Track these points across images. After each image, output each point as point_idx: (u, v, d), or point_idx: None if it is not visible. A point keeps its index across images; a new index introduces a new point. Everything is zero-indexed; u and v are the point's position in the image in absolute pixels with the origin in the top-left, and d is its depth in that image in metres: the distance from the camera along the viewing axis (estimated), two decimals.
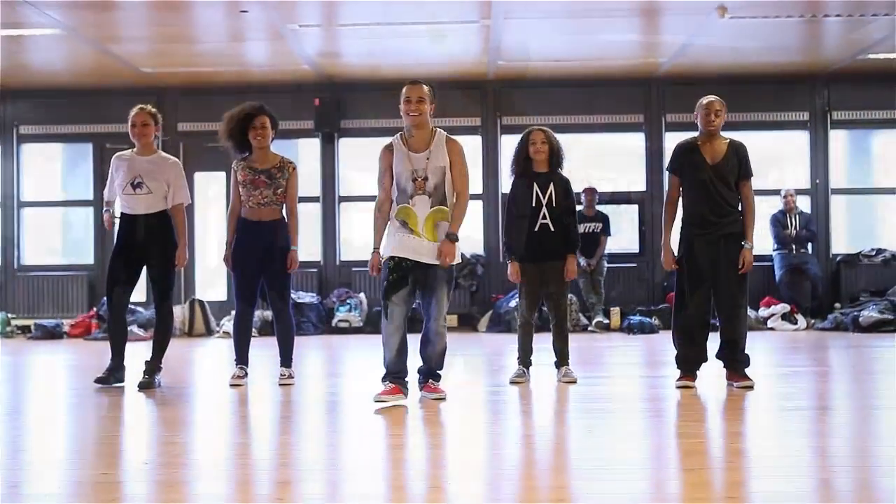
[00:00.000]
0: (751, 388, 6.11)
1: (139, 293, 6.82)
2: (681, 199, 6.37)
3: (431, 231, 5.70)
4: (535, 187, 6.62)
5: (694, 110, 6.34)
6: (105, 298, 6.99)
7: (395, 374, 5.68)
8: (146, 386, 6.52)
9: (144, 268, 6.73)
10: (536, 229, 6.61)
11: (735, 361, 6.24)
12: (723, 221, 6.20)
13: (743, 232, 6.24)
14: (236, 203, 6.82)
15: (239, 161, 6.80)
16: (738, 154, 6.25)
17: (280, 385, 6.69)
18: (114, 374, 6.67)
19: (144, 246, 6.66)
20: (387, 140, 5.95)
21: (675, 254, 6.32)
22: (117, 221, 6.77)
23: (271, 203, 6.74)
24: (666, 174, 6.47)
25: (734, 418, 5.41)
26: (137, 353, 6.98)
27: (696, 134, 6.36)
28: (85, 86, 12.57)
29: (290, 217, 6.85)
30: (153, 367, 6.67)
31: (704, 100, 6.30)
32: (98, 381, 6.60)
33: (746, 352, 6.25)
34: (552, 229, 6.61)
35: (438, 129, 5.85)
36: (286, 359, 6.85)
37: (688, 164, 6.26)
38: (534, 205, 6.61)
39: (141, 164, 6.69)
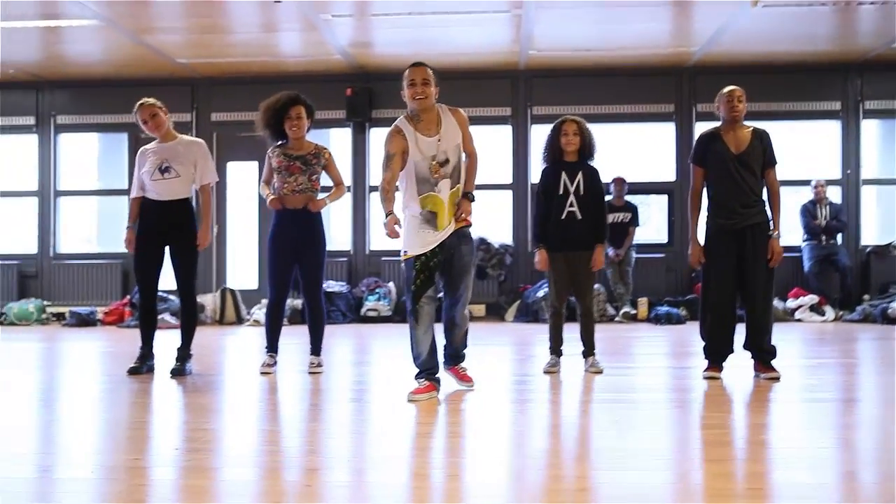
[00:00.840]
0: (777, 379, 6.08)
1: (172, 282, 6.86)
2: (705, 189, 6.34)
3: (452, 214, 5.55)
4: (564, 175, 6.61)
5: (716, 101, 6.32)
6: (136, 286, 7.05)
7: (428, 371, 5.64)
8: (178, 373, 6.60)
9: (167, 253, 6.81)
10: (563, 217, 6.60)
11: (762, 352, 6.21)
12: (749, 212, 6.15)
13: (770, 221, 6.19)
14: (268, 176, 6.85)
15: (274, 148, 6.84)
16: (762, 142, 6.21)
17: (309, 373, 6.73)
18: (145, 362, 6.75)
19: (169, 232, 6.72)
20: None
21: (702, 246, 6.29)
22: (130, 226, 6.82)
23: (306, 190, 6.76)
24: (690, 164, 6.41)
25: (760, 409, 5.38)
26: (169, 341, 7.04)
27: (718, 124, 6.33)
28: (121, 76, 12.69)
29: (337, 188, 6.96)
30: (184, 354, 6.74)
31: (725, 89, 6.27)
32: (130, 371, 6.68)
33: (773, 343, 6.22)
34: (579, 217, 6.59)
35: (439, 105, 5.62)
36: (316, 347, 6.89)
37: (712, 154, 6.22)
38: (561, 192, 6.60)
39: (167, 150, 6.77)
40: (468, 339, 6.00)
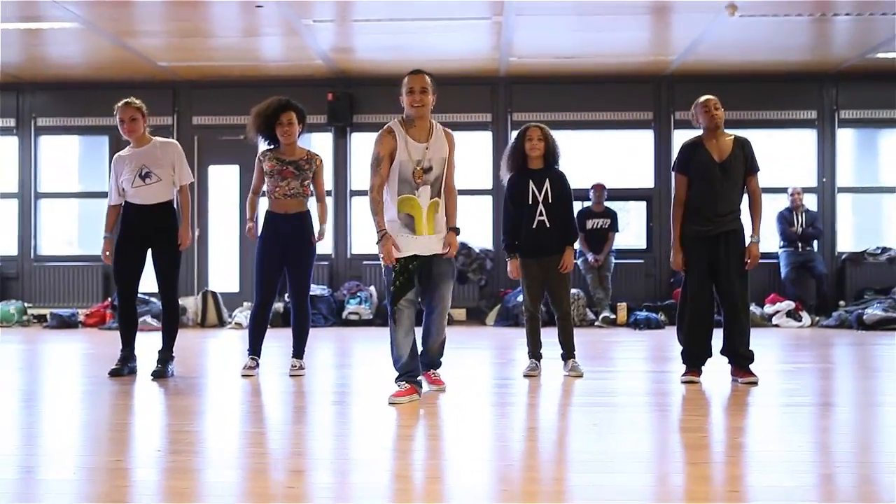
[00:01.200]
0: (755, 383, 6.12)
1: (153, 284, 6.84)
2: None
3: (431, 224, 5.64)
4: (532, 184, 6.60)
5: (692, 112, 6.35)
6: (116, 289, 7.01)
7: (409, 374, 5.63)
8: (159, 375, 6.57)
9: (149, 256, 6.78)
10: (534, 226, 6.61)
11: (740, 357, 6.24)
12: (724, 219, 6.20)
13: (748, 226, 6.25)
14: (258, 184, 6.86)
15: (265, 152, 6.82)
16: (744, 150, 6.25)
17: (291, 376, 6.72)
18: (126, 363, 6.72)
19: (150, 236, 6.69)
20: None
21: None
22: (108, 230, 6.78)
23: (298, 195, 6.75)
24: (673, 173, 6.44)
25: (738, 413, 5.41)
26: (151, 343, 7.01)
27: (700, 133, 6.36)
28: (102, 79, 12.63)
29: (320, 203, 6.95)
30: (165, 356, 6.71)
31: (701, 98, 6.32)
32: (112, 373, 6.65)
33: (751, 348, 6.25)
34: (548, 225, 6.60)
35: (436, 122, 5.75)
36: (299, 350, 6.88)
37: (696, 163, 6.25)
38: (530, 202, 6.60)
39: (143, 155, 6.70)
40: (444, 349, 6.03)
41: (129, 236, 6.71)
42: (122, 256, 6.73)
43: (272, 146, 6.82)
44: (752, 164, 6.27)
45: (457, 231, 5.77)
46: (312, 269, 6.88)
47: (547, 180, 6.60)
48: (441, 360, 6.04)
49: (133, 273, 6.76)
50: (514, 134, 12.65)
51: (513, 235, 6.70)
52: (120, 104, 6.72)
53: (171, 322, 6.83)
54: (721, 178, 6.17)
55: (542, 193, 6.59)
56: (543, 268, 6.68)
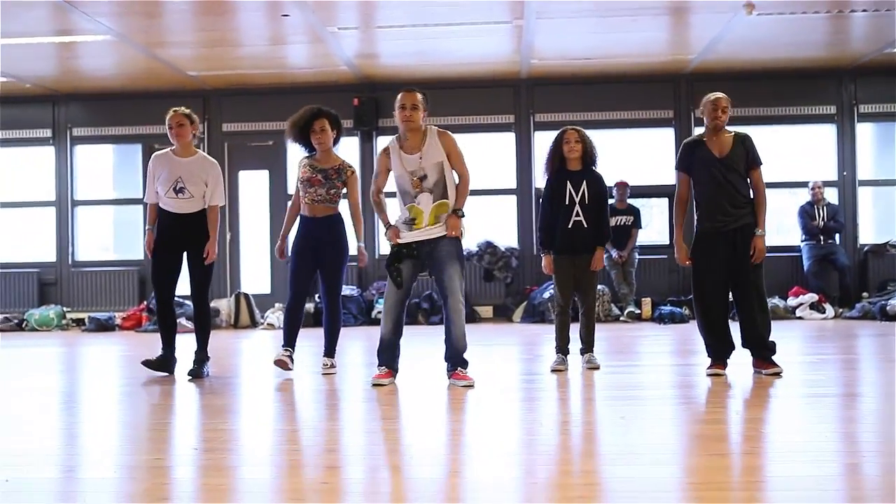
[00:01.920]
0: (779, 374, 6.08)
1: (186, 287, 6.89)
2: (693, 195, 6.35)
3: (433, 220, 5.99)
4: (569, 185, 6.65)
5: (700, 106, 6.32)
6: (154, 292, 7.07)
7: (388, 359, 6.14)
8: (195, 375, 6.62)
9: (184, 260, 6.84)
10: (570, 226, 6.66)
11: (761, 349, 6.20)
12: (739, 212, 6.16)
13: (755, 221, 6.19)
14: (296, 199, 6.91)
15: (303, 159, 6.89)
16: (744, 144, 6.22)
17: (323, 374, 6.74)
18: (163, 363, 6.76)
19: (185, 240, 6.74)
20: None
21: (689, 249, 6.31)
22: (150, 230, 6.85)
23: (324, 201, 6.78)
24: (676, 171, 6.44)
25: (762, 405, 5.37)
26: (187, 345, 7.06)
27: (701, 131, 6.34)
28: (134, 89, 12.72)
29: (355, 216, 6.94)
30: (201, 357, 6.76)
31: (712, 95, 6.26)
32: (145, 362, 6.74)
33: (772, 339, 6.21)
34: (585, 225, 6.66)
35: (429, 127, 6.06)
36: (330, 349, 6.92)
37: (697, 161, 6.23)
38: (567, 202, 6.64)
39: (182, 167, 6.73)
40: (467, 342, 6.04)
41: (164, 241, 6.77)
42: (158, 261, 6.79)
43: (311, 153, 6.86)
44: (754, 157, 6.22)
45: (459, 214, 5.99)
46: (344, 270, 6.90)
47: (584, 182, 6.64)
48: (466, 355, 6.05)
49: (170, 277, 6.82)
50: (536, 135, 12.83)
51: (549, 233, 6.77)
52: (170, 112, 6.81)
53: (203, 324, 6.87)
54: (723, 174, 6.14)
55: (580, 194, 6.63)
56: (575, 265, 6.73)
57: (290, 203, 7.07)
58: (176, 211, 6.74)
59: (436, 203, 5.97)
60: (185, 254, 6.81)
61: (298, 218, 6.88)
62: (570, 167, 6.69)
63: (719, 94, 6.25)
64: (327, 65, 11.85)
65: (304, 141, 6.85)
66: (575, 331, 6.87)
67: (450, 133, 6.08)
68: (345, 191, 6.87)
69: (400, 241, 6.04)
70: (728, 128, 6.28)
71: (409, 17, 9.90)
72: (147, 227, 6.89)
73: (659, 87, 12.78)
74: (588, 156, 6.70)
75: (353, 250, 6.91)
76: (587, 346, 6.80)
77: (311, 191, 6.76)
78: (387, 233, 6.10)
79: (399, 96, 6.00)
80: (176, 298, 7.08)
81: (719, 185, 6.15)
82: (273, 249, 7.17)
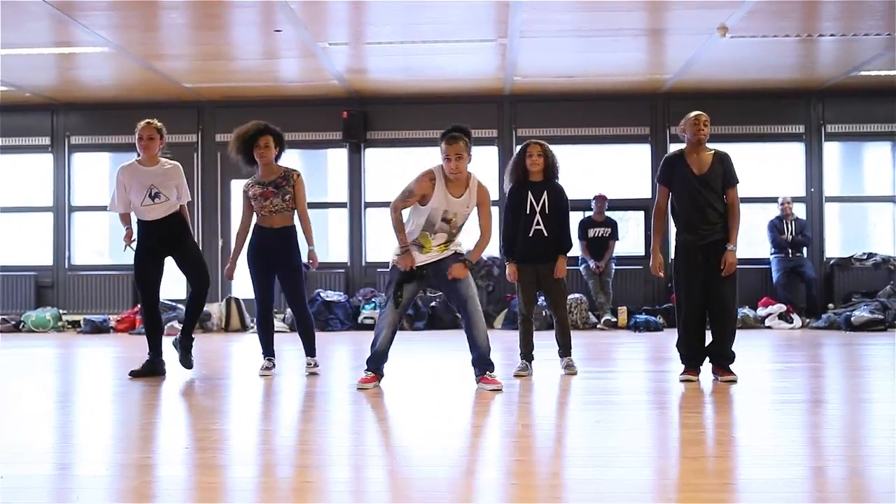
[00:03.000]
0: (734, 381, 6.10)
1: (180, 289, 6.87)
2: (671, 208, 6.38)
3: (441, 250, 5.98)
4: (530, 195, 6.67)
5: (680, 125, 6.34)
6: (140, 296, 7.02)
7: (376, 365, 6.02)
8: (184, 362, 6.70)
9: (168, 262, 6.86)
10: (531, 235, 6.67)
11: (722, 358, 6.23)
12: (713, 228, 6.18)
13: (727, 237, 6.21)
14: (246, 222, 6.88)
15: (247, 182, 6.87)
16: (723, 163, 6.24)
17: (307, 374, 6.73)
18: (151, 369, 6.73)
19: (168, 243, 6.74)
20: (427, 165, 6.05)
21: (665, 260, 6.32)
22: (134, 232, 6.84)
23: (281, 210, 6.77)
24: (657, 183, 6.46)
25: (733, 410, 5.38)
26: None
27: (682, 146, 6.36)
28: (131, 100, 12.66)
29: (303, 220, 6.87)
30: (187, 344, 6.75)
31: (692, 113, 6.30)
32: (132, 374, 6.70)
33: (735, 349, 6.24)
34: (545, 234, 6.65)
35: (472, 175, 6.00)
36: (310, 349, 6.94)
37: (676, 176, 6.26)
38: (528, 212, 6.66)
39: (153, 176, 6.74)
40: (490, 346, 6.03)
41: (147, 248, 6.75)
42: (142, 268, 6.78)
43: (253, 175, 6.85)
44: (730, 177, 6.24)
45: (468, 264, 5.96)
46: (302, 275, 6.89)
47: (545, 192, 6.65)
48: (491, 359, 6.02)
49: (154, 282, 6.82)
50: (518, 149, 12.79)
51: (511, 242, 6.78)
52: (142, 122, 6.77)
53: (197, 305, 6.89)
54: (701, 191, 6.16)
55: (540, 204, 6.65)
56: (538, 274, 6.72)
57: (238, 229, 7.01)
58: (152, 218, 6.73)
59: (443, 242, 5.97)
60: (168, 257, 6.81)
61: (252, 229, 6.85)
62: (532, 178, 6.70)
63: (699, 112, 6.30)
64: (318, 79, 11.84)
65: (245, 155, 6.81)
66: (546, 337, 6.86)
67: (486, 188, 6.05)
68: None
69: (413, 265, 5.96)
70: (709, 145, 6.31)
71: (397, 35, 9.90)
72: (125, 226, 6.86)
73: (636, 104, 12.82)
74: (550, 169, 6.71)
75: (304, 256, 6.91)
76: (564, 349, 6.79)
77: (267, 203, 6.75)
78: (401, 255, 5.94)
79: (443, 145, 5.87)
80: (167, 302, 7.05)
81: (695, 202, 6.18)
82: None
